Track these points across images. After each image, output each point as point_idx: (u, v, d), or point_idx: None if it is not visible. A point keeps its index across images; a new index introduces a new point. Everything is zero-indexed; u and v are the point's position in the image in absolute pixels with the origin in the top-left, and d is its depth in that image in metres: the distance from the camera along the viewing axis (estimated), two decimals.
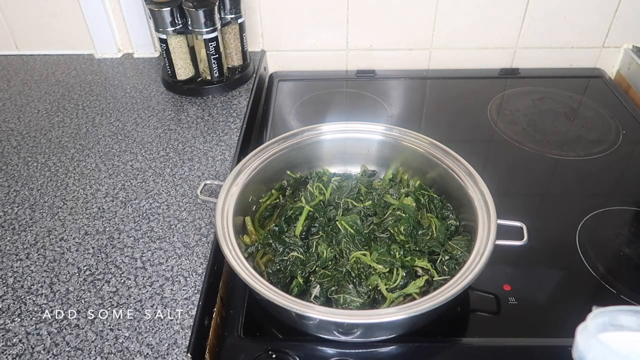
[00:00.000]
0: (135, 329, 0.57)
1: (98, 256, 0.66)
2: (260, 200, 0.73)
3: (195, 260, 0.65)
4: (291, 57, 1.15)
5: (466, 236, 0.64)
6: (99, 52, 1.12)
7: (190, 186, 0.77)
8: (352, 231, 0.65)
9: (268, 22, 1.09)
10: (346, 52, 1.13)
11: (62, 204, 0.74)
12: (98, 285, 0.62)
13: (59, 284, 0.62)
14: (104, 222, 0.71)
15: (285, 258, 0.63)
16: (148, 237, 0.68)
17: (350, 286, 0.60)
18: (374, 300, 0.60)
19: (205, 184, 0.69)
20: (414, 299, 0.57)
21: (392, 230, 0.65)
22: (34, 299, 0.61)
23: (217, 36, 0.93)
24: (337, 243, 0.64)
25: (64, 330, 0.57)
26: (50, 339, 0.56)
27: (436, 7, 1.05)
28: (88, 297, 0.61)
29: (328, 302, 0.60)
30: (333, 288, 0.60)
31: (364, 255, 0.62)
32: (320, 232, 0.66)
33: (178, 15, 0.91)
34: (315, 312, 0.52)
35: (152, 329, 0.57)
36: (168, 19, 0.91)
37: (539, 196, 0.82)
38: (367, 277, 0.61)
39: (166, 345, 0.56)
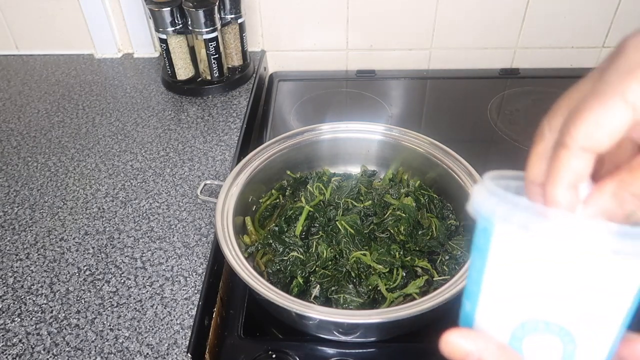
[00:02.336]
0: (135, 329, 0.57)
1: (98, 256, 0.66)
2: (260, 200, 0.73)
3: (195, 260, 0.65)
4: (291, 57, 1.15)
5: (466, 236, 0.64)
6: (99, 52, 1.12)
7: (190, 186, 0.77)
8: (352, 231, 0.65)
9: (268, 22, 1.09)
10: (346, 52, 1.13)
11: (62, 204, 0.74)
12: (98, 285, 0.62)
13: (59, 284, 0.62)
14: (104, 222, 0.71)
15: (285, 258, 0.63)
16: (148, 237, 0.68)
17: (350, 286, 0.60)
18: (374, 300, 0.60)
19: (205, 184, 0.69)
20: (414, 299, 0.57)
21: (392, 230, 0.65)
22: (34, 299, 0.61)
23: (217, 36, 0.93)
24: (337, 243, 0.64)
25: (64, 330, 0.57)
26: (50, 339, 0.56)
27: (436, 7, 1.05)
28: (88, 297, 0.61)
29: (328, 302, 0.60)
30: (333, 288, 0.60)
31: (364, 255, 0.62)
32: (320, 232, 0.66)
33: (178, 15, 0.91)
34: (315, 312, 0.52)
35: (152, 329, 0.57)
36: (168, 19, 0.91)
37: None
38: (367, 277, 0.61)
39: (166, 345, 0.56)
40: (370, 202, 0.70)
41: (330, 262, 0.63)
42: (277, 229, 0.67)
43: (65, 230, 0.70)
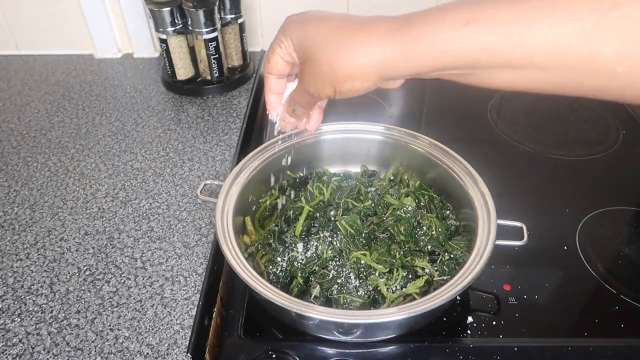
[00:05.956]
0: (135, 329, 0.57)
1: (98, 256, 0.66)
2: (260, 200, 0.73)
3: (195, 260, 0.65)
4: None
5: (466, 236, 0.64)
6: (99, 52, 1.12)
7: (190, 186, 0.77)
8: (352, 231, 0.65)
9: (268, 22, 1.09)
10: None
11: (62, 204, 0.74)
12: (98, 285, 0.62)
13: (59, 284, 0.62)
14: (104, 222, 0.71)
15: (285, 258, 0.63)
16: (148, 237, 0.68)
17: (351, 286, 0.60)
18: (374, 300, 0.60)
19: (205, 184, 0.69)
20: (414, 299, 0.57)
21: (392, 230, 0.65)
22: (34, 299, 0.61)
23: (217, 36, 0.93)
24: (337, 243, 0.64)
25: (64, 330, 0.57)
26: (50, 339, 0.56)
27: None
28: (88, 297, 0.61)
29: (328, 302, 0.60)
30: (333, 288, 0.60)
31: (364, 255, 0.62)
32: (320, 232, 0.66)
33: (178, 15, 0.91)
34: (315, 312, 0.52)
35: (152, 329, 0.57)
36: (168, 19, 0.91)
37: (539, 196, 0.82)
38: (367, 277, 0.61)
39: (166, 345, 0.56)
40: (370, 202, 0.70)
41: (330, 262, 0.63)
42: (277, 229, 0.67)
43: (65, 230, 0.70)
